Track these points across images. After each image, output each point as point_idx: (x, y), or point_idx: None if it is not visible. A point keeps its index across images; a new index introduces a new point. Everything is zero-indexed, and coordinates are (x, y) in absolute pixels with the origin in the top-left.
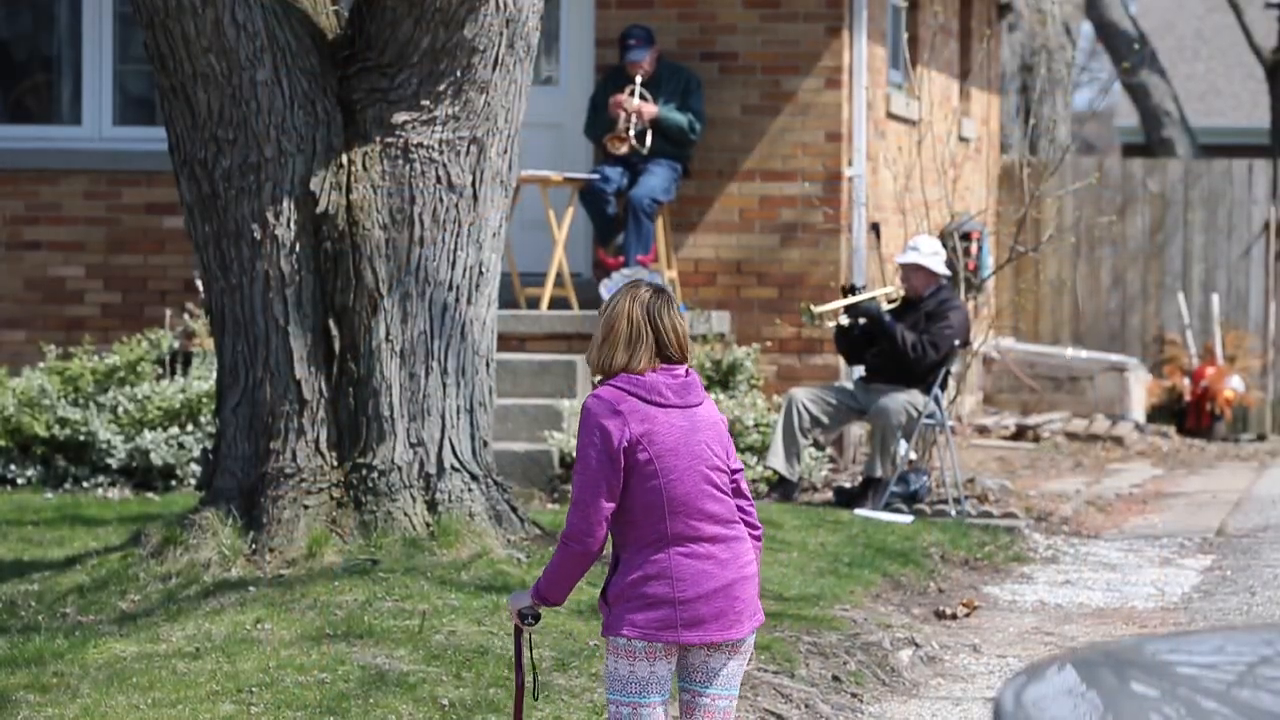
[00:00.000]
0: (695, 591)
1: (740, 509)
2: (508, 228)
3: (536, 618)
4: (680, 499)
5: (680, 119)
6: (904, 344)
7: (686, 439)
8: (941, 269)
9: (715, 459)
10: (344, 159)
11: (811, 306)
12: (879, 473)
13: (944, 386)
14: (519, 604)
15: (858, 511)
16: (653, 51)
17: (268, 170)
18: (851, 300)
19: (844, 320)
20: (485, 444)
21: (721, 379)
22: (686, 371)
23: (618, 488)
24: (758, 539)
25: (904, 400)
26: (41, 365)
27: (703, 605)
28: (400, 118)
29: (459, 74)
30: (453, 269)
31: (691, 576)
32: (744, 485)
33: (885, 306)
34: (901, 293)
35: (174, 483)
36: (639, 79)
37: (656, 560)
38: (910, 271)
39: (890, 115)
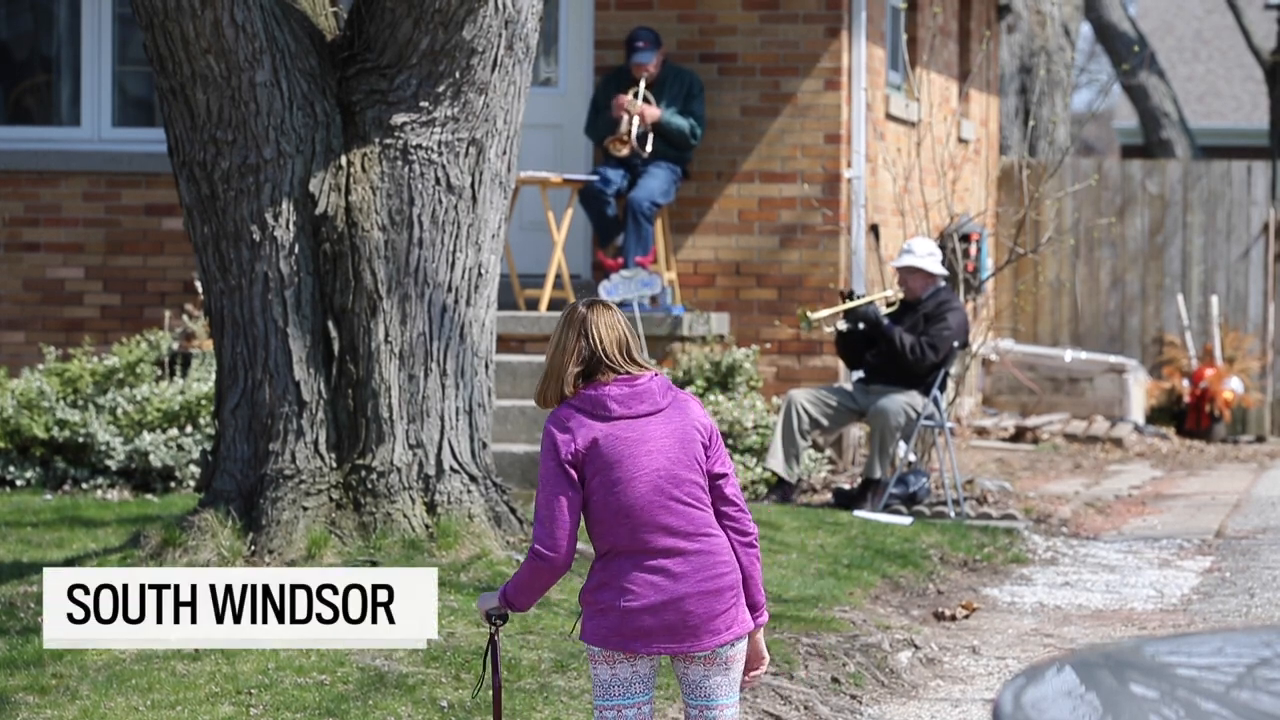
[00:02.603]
0: (641, 603)
1: (725, 515)
2: (507, 229)
3: (504, 619)
4: (627, 510)
5: (682, 123)
6: (903, 346)
7: (632, 450)
8: (938, 269)
9: (673, 467)
10: (343, 160)
11: (808, 313)
12: (878, 474)
13: (943, 388)
14: (487, 605)
15: (857, 513)
16: (659, 54)
17: (267, 172)
18: (849, 305)
19: (843, 325)
20: (484, 445)
21: (720, 380)
22: (651, 378)
23: (576, 500)
24: (747, 545)
25: (902, 401)
26: (41, 367)
27: (648, 617)
28: (399, 119)
29: (458, 75)
30: (452, 270)
31: (639, 588)
32: (730, 490)
33: (884, 310)
34: (900, 295)
35: (173, 484)
36: (643, 81)
37: (609, 570)
38: (907, 274)
39: (889, 117)
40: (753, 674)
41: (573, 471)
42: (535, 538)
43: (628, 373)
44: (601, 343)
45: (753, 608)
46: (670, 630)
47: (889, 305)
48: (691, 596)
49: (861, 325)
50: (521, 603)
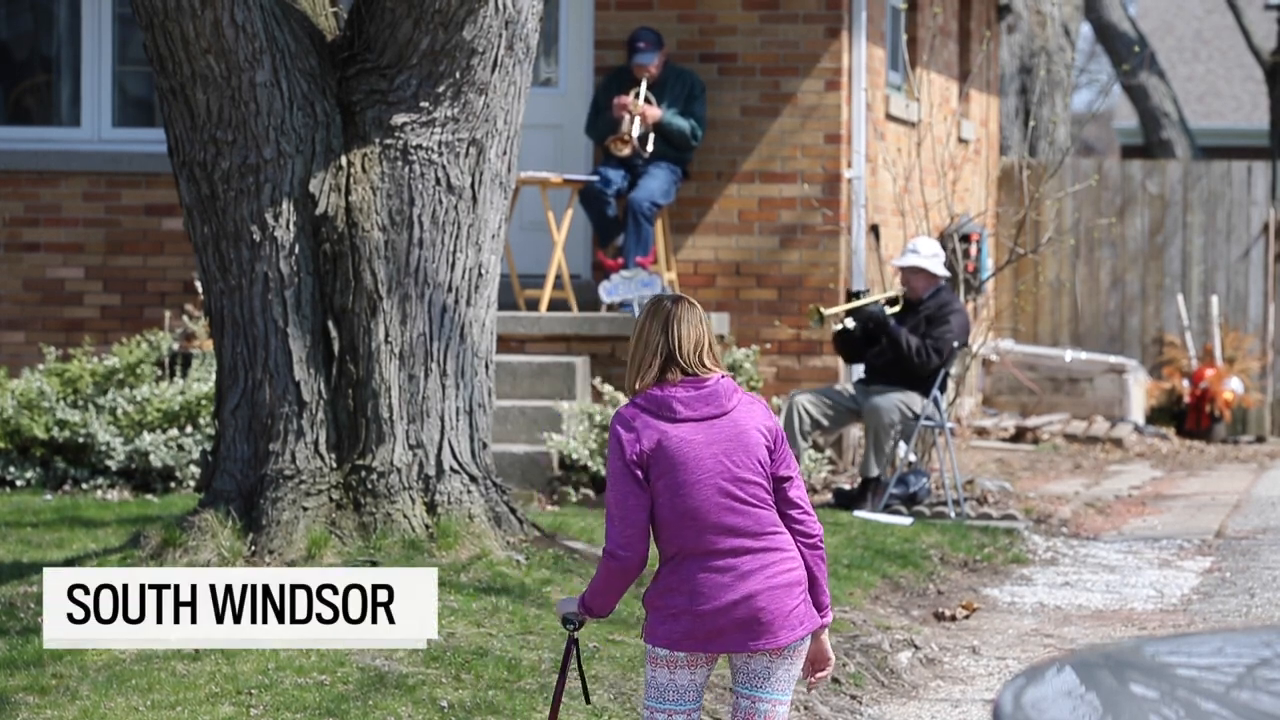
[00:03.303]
0: (712, 605)
1: (789, 518)
2: (507, 229)
3: (579, 624)
4: (692, 513)
5: (683, 124)
6: (909, 349)
7: (698, 453)
8: (941, 270)
9: (736, 470)
10: (343, 160)
11: (820, 309)
12: (873, 472)
13: (943, 388)
14: (565, 609)
15: (857, 513)
16: (661, 55)
17: (267, 172)
18: (857, 304)
19: (850, 323)
20: (484, 445)
21: None
22: (718, 380)
23: (645, 499)
24: (812, 548)
25: (896, 399)
26: (41, 367)
27: (721, 618)
28: (399, 119)
29: (458, 75)
30: (452, 271)
31: (709, 590)
32: (795, 494)
33: (888, 310)
34: (902, 295)
35: (173, 484)
36: (645, 82)
37: (677, 573)
38: (911, 274)
39: (890, 117)
40: (818, 675)
41: (639, 471)
42: (608, 538)
43: (696, 374)
44: (681, 341)
45: (818, 608)
46: (743, 627)
47: (892, 304)
48: (762, 593)
49: (870, 325)
50: (599, 607)
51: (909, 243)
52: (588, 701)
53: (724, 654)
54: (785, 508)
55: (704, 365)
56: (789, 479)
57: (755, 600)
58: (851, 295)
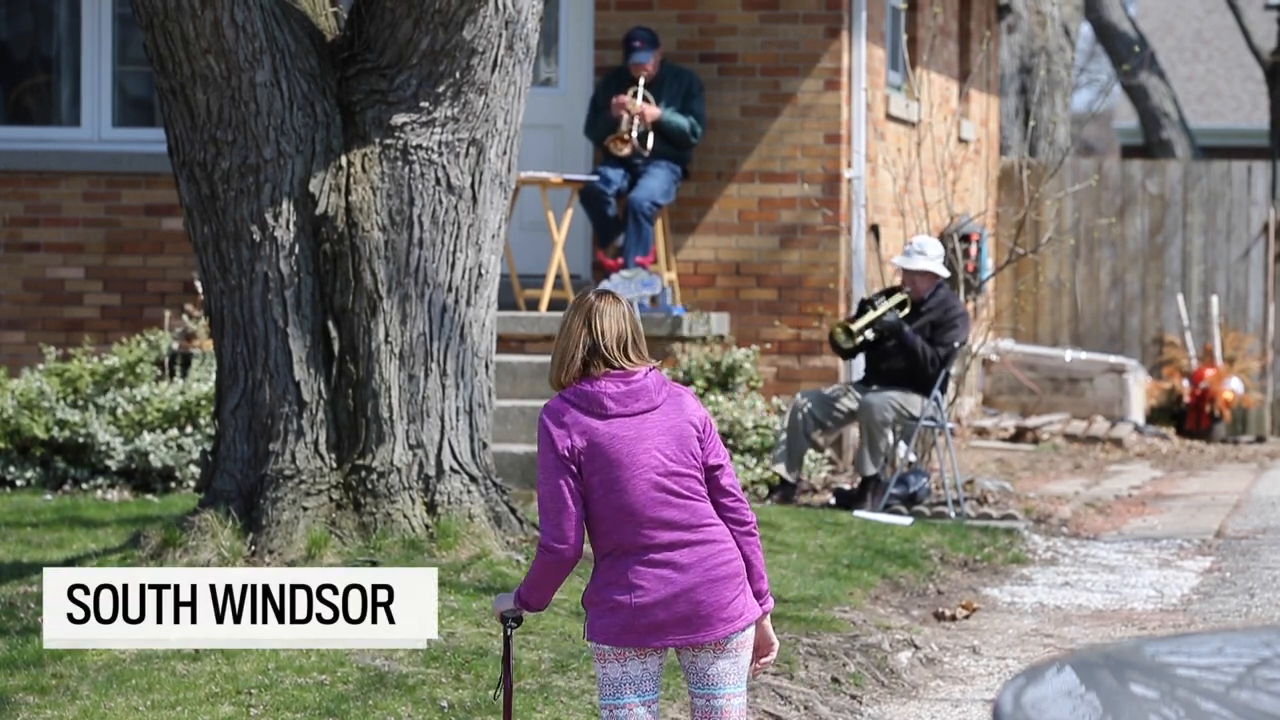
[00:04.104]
0: (652, 598)
1: (723, 506)
2: (507, 229)
3: (518, 620)
4: (629, 509)
5: (682, 122)
6: (924, 357)
7: (631, 449)
8: (943, 270)
9: (668, 464)
10: (343, 160)
11: (849, 325)
12: (869, 470)
13: (944, 388)
14: (502, 606)
15: (857, 513)
16: (657, 54)
17: (267, 172)
18: (875, 315)
19: (869, 335)
20: (485, 445)
21: (720, 381)
22: (646, 374)
23: (578, 492)
24: (746, 534)
25: (889, 397)
26: (41, 367)
27: (661, 611)
28: (399, 119)
29: (458, 75)
30: (452, 270)
31: (647, 584)
32: (726, 481)
33: (900, 314)
34: (908, 298)
35: (173, 484)
36: (642, 81)
37: (614, 568)
38: (916, 275)
39: (889, 117)
40: (763, 661)
41: (572, 466)
42: (543, 531)
43: (622, 368)
44: (603, 335)
45: (756, 595)
46: (683, 621)
47: (901, 309)
48: (701, 586)
49: (886, 335)
50: (536, 601)
51: (912, 242)
52: (495, 697)
53: (676, 648)
54: (718, 496)
55: (628, 358)
56: (720, 467)
57: (694, 594)
58: (864, 305)
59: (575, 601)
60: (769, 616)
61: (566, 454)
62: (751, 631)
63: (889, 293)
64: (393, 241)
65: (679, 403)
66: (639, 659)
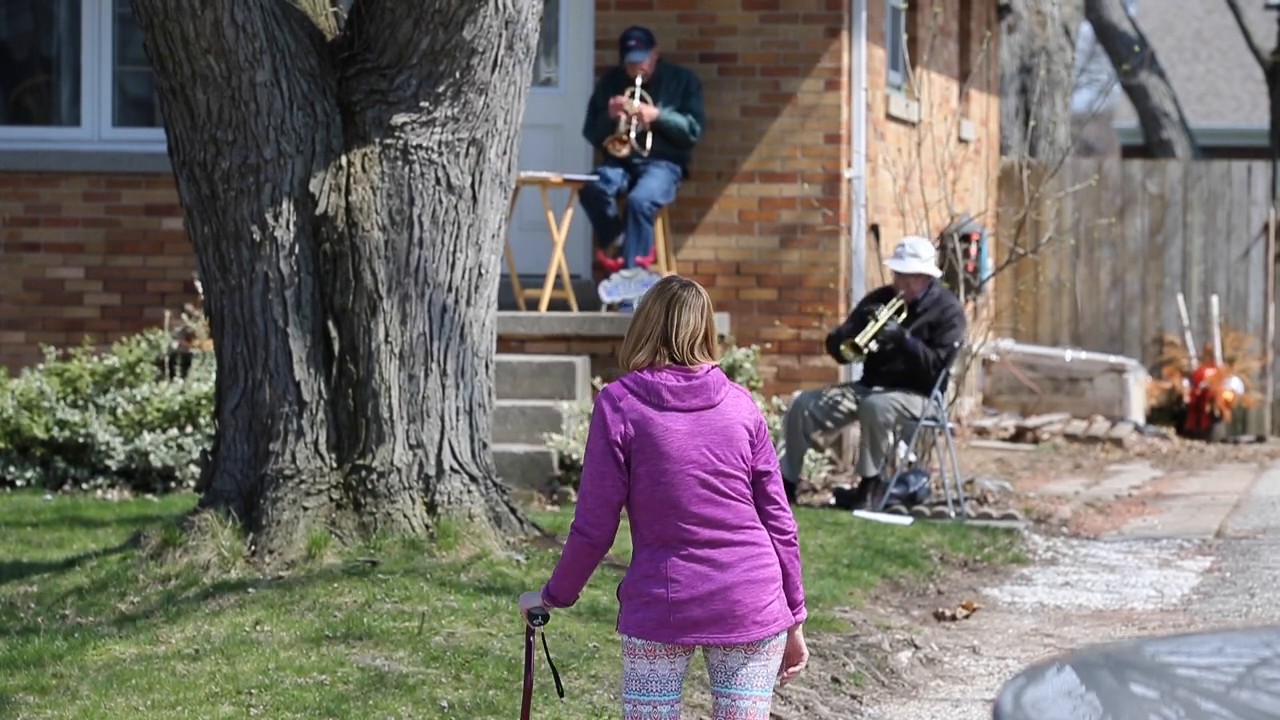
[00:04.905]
0: (689, 594)
1: (766, 513)
2: (507, 229)
3: (545, 618)
4: (672, 502)
5: (681, 121)
6: (927, 362)
7: (682, 444)
8: (936, 271)
9: (717, 463)
10: (343, 160)
11: (857, 343)
12: (870, 471)
13: (944, 388)
14: (528, 604)
15: (857, 513)
16: (653, 53)
17: (267, 172)
18: (878, 326)
19: (874, 346)
20: (485, 445)
21: None
22: (708, 371)
23: (621, 479)
24: (787, 544)
25: (891, 398)
26: (41, 367)
27: (696, 608)
28: (399, 119)
29: (458, 75)
30: (452, 270)
31: (686, 579)
32: (773, 489)
33: (898, 320)
34: (904, 301)
35: (173, 484)
36: (639, 80)
37: (654, 560)
38: (911, 278)
39: (890, 117)
40: (792, 670)
41: (620, 453)
42: (578, 514)
43: (685, 363)
44: (677, 327)
45: (791, 605)
46: (718, 620)
47: (899, 314)
48: (738, 586)
49: (888, 344)
50: (563, 594)
51: (904, 244)
52: (561, 694)
53: (699, 647)
54: (763, 502)
55: (693, 355)
56: (768, 474)
57: (731, 593)
58: (862, 314)
59: (578, 602)
60: (800, 627)
61: (618, 439)
62: (784, 638)
63: (882, 296)
64: (393, 241)
65: (736, 403)
66: (668, 658)
